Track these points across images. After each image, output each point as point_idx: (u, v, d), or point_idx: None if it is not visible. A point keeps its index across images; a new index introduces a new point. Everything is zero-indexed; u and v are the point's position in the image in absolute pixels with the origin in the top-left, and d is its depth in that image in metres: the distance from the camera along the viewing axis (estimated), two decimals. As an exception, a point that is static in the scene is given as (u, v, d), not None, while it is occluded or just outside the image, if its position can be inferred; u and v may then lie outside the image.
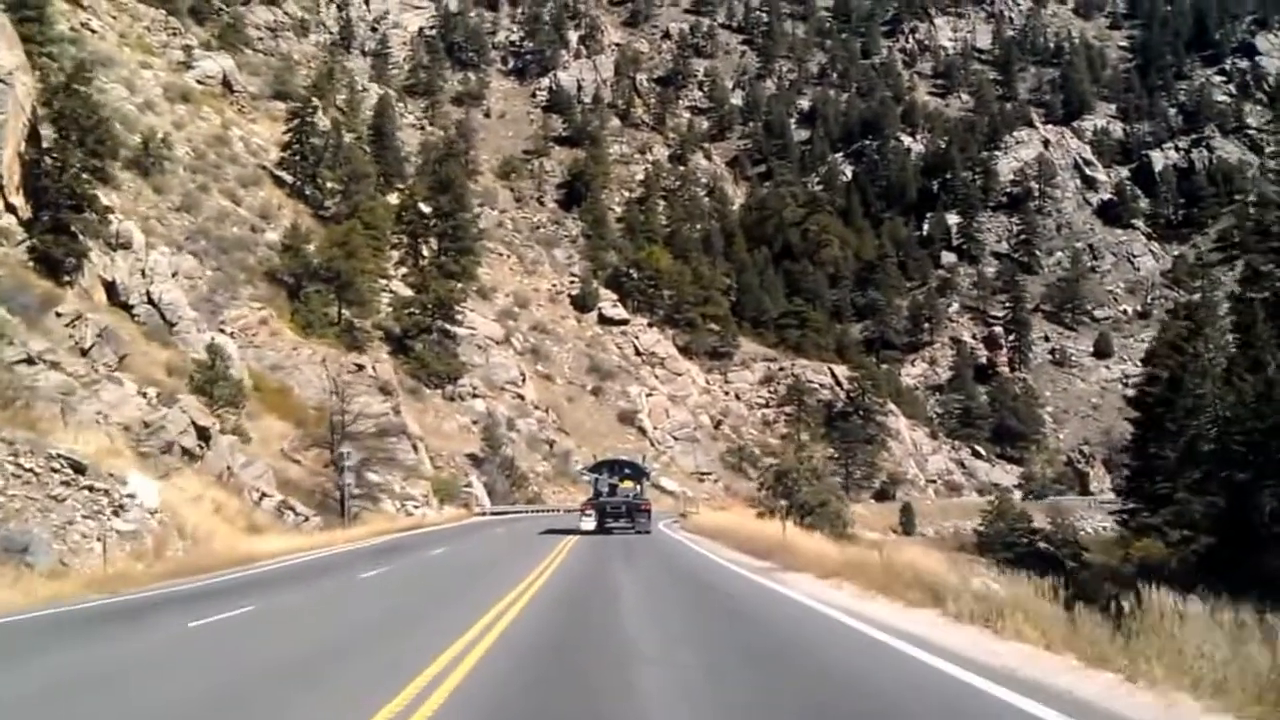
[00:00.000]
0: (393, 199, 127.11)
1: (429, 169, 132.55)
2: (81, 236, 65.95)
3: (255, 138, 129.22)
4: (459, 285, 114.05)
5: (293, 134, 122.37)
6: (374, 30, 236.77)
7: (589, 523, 56.53)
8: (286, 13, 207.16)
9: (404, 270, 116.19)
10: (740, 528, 45.90)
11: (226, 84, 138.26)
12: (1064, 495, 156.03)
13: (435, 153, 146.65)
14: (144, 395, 48.84)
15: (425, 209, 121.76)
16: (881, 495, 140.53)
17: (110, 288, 68.01)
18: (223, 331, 74.34)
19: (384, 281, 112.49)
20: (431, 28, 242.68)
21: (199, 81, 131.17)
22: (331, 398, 60.60)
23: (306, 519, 53.07)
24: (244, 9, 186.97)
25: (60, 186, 64.05)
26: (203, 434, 50.54)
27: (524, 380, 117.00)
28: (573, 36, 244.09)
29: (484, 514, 78.53)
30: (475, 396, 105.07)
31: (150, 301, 68.44)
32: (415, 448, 77.34)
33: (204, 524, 39.56)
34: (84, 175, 65.34)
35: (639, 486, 60.50)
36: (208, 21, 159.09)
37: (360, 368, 79.71)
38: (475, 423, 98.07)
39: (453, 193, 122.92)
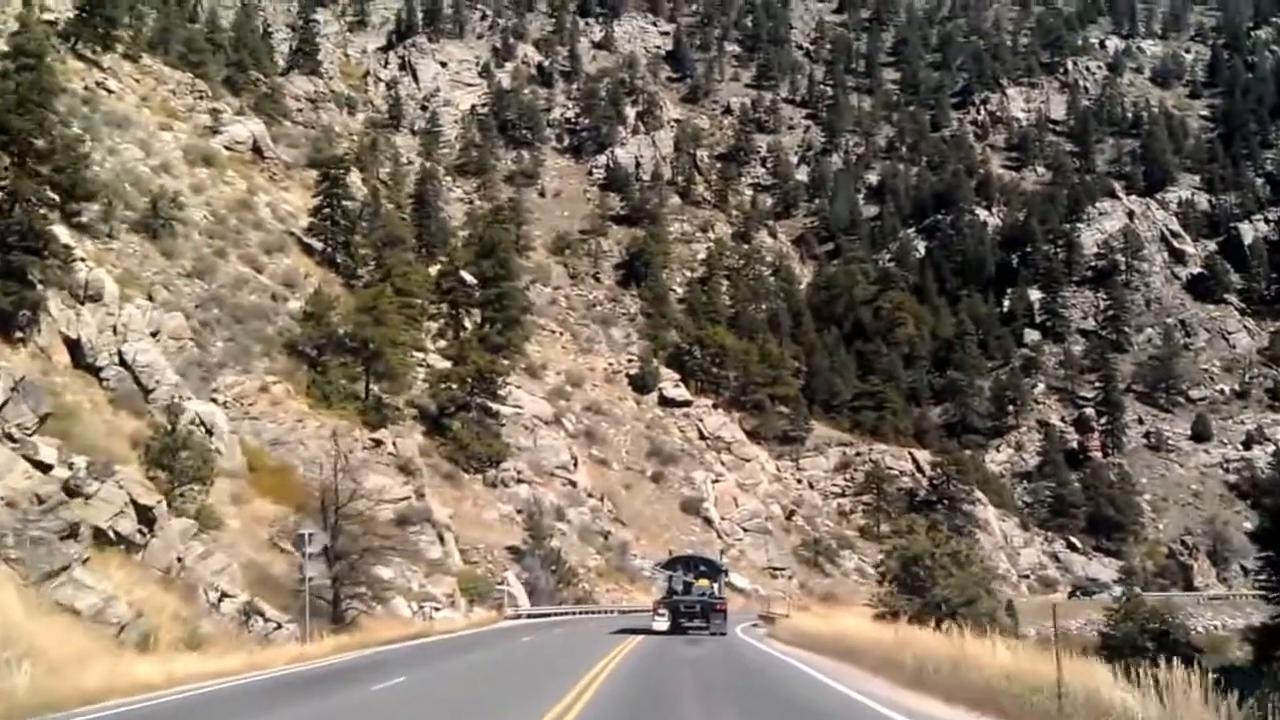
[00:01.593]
0: (433, 271, 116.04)
1: (474, 236, 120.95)
2: (39, 286, 55.10)
3: (285, 204, 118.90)
4: (503, 359, 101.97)
5: (324, 197, 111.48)
6: (424, 109, 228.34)
7: (662, 623, 53.43)
8: (332, 89, 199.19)
9: (443, 343, 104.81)
10: (863, 637, 33.75)
11: (257, 150, 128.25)
12: (1168, 591, 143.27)
13: (481, 219, 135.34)
14: (66, 465, 37.01)
15: (468, 277, 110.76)
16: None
17: (75, 346, 56.86)
18: (214, 400, 62.85)
19: (419, 355, 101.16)
20: (484, 105, 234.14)
21: (227, 147, 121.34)
22: (327, 472, 48.20)
23: (279, 626, 40.84)
24: (283, 79, 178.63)
25: (10, 223, 53.23)
26: (146, 516, 38.76)
27: (576, 465, 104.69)
28: (630, 113, 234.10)
29: (518, 617, 65.56)
30: (520, 482, 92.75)
31: (122, 363, 57.18)
32: (441, 538, 65.36)
33: (72, 644, 27.38)
34: (41, 211, 54.58)
35: (715, 585, 57.22)
36: (244, 91, 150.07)
37: (378, 444, 67.84)
38: (519, 511, 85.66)
39: (497, 257, 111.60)
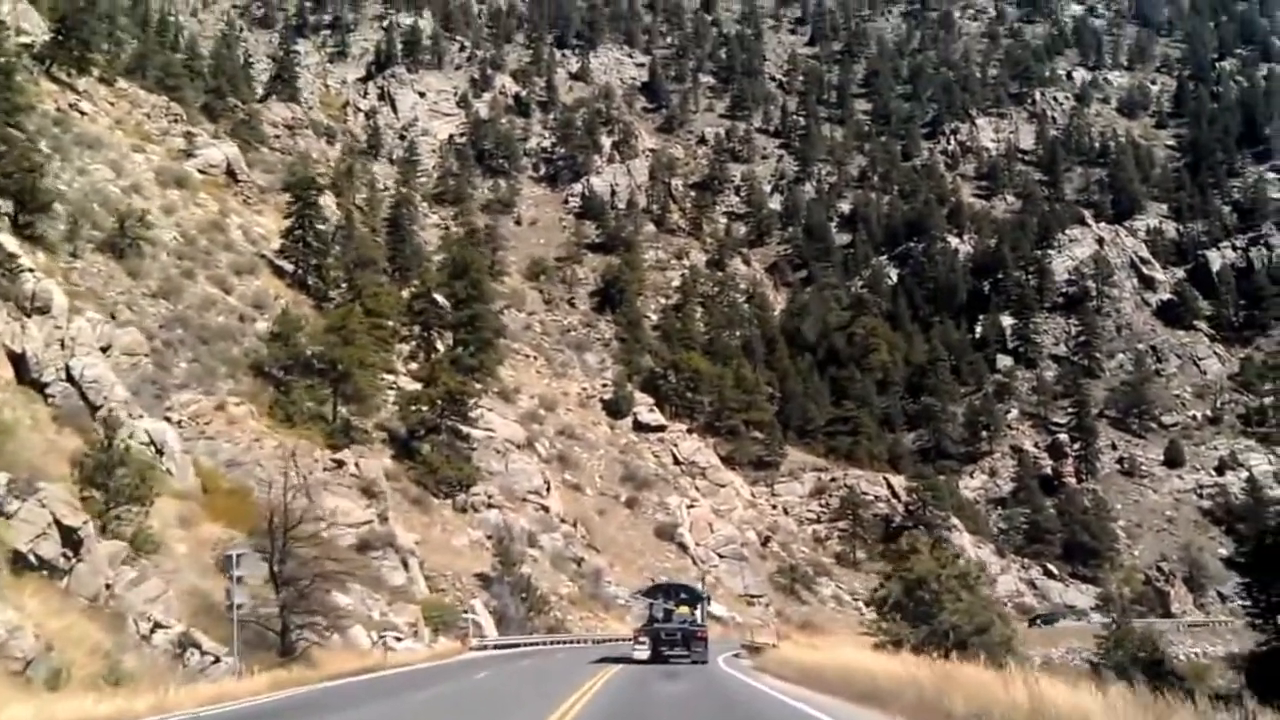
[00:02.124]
0: (406, 294, 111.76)
1: (448, 259, 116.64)
2: (-21, 296, 51.13)
3: (257, 227, 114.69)
4: (474, 381, 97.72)
5: (296, 218, 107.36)
6: (402, 138, 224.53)
7: (643, 651, 51.49)
8: (310, 118, 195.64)
9: (414, 366, 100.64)
10: (884, 673, 27.78)
11: (231, 173, 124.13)
12: (1145, 617, 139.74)
13: (456, 242, 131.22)
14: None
15: (440, 299, 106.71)
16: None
17: (19, 361, 52.72)
18: (167, 419, 58.67)
19: (389, 378, 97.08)
20: (461, 135, 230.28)
21: (200, 170, 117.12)
22: (276, 490, 44.04)
23: (216, 660, 36.62)
24: (260, 106, 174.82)
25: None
26: (71, 539, 34.69)
27: (549, 490, 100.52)
28: (606, 142, 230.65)
29: (484, 648, 60.91)
30: (491, 507, 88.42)
31: (69, 378, 53.03)
32: (405, 564, 61.15)
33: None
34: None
35: (695, 612, 55.45)
36: (221, 118, 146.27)
37: (339, 465, 63.49)
38: (489, 537, 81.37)
39: (470, 278, 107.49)
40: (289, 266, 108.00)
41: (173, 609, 37.86)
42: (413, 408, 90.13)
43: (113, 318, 74.13)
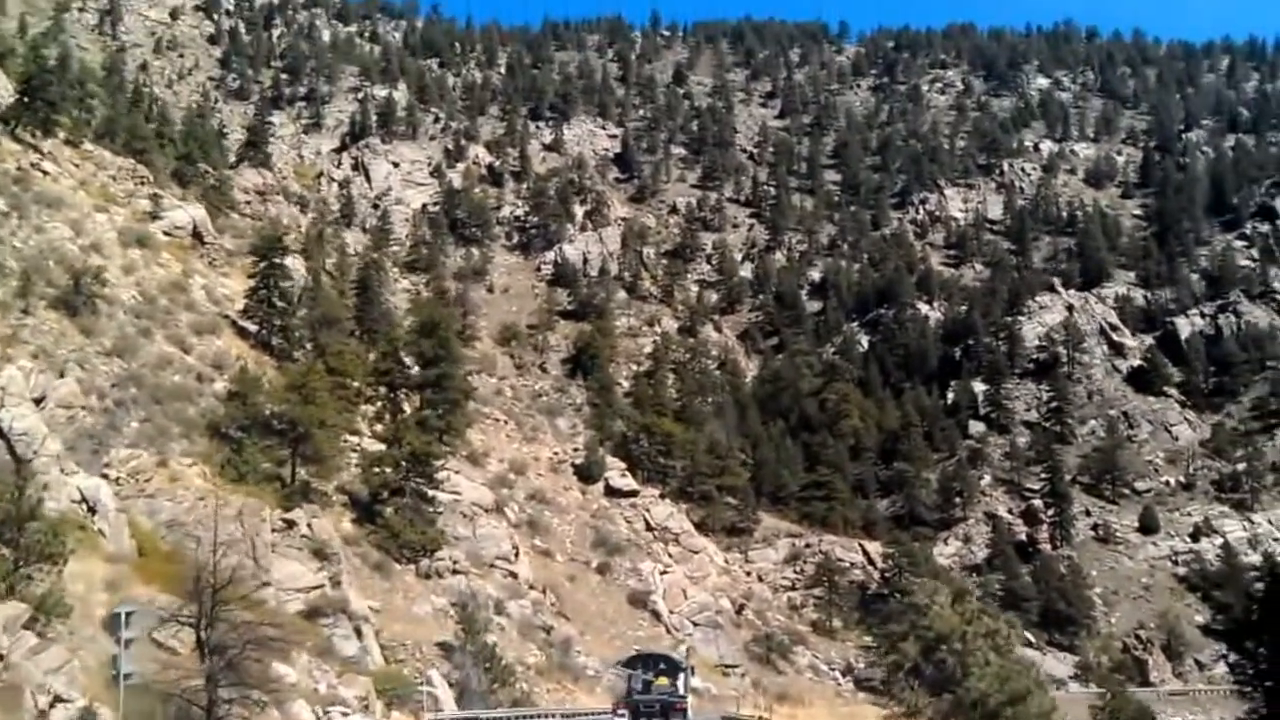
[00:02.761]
0: (373, 357, 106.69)
1: (417, 321, 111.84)
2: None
3: (221, 288, 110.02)
4: (441, 442, 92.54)
5: (261, 278, 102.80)
6: (375, 207, 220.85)
7: None
8: (283, 186, 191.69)
9: (379, 428, 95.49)
10: None
11: (197, 235, 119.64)
12: (1123, 686, 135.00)
13: (426, 303, 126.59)
14: None
15: (407, 360, 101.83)
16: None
17: (-60, 413, 47.82)
18: (104, 475, 53.69)
19: (353, 439, 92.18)
20: (435, 204, 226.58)
21: (166, 233, 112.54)
22: (203, 547, 39.15)
23: (123, 740, 31.66)
24: (231, 173, 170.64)
25: None
26: (-40, 602, 29.86)
27: (517, 555, 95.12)
28: (578, 211, 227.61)
29: (438, 726, 55.65)
30: (456, 573, 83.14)
31: (-4, 430, 48.10)
32: (359, 632, 55.91)
33: None
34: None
35: (674, 683, 55.04)
36: (191, 184, 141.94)
37: (289, 525, 58.26)
38: (454, 604, 76.05)
39: (438, 337, 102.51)
40: (252, 327, 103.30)
41: (77, 681, 32.84)
42: (375, 469, 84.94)
43: (62, 375, 69.47)
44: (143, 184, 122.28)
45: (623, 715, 52.33)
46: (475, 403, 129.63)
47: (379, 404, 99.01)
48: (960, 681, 36.75)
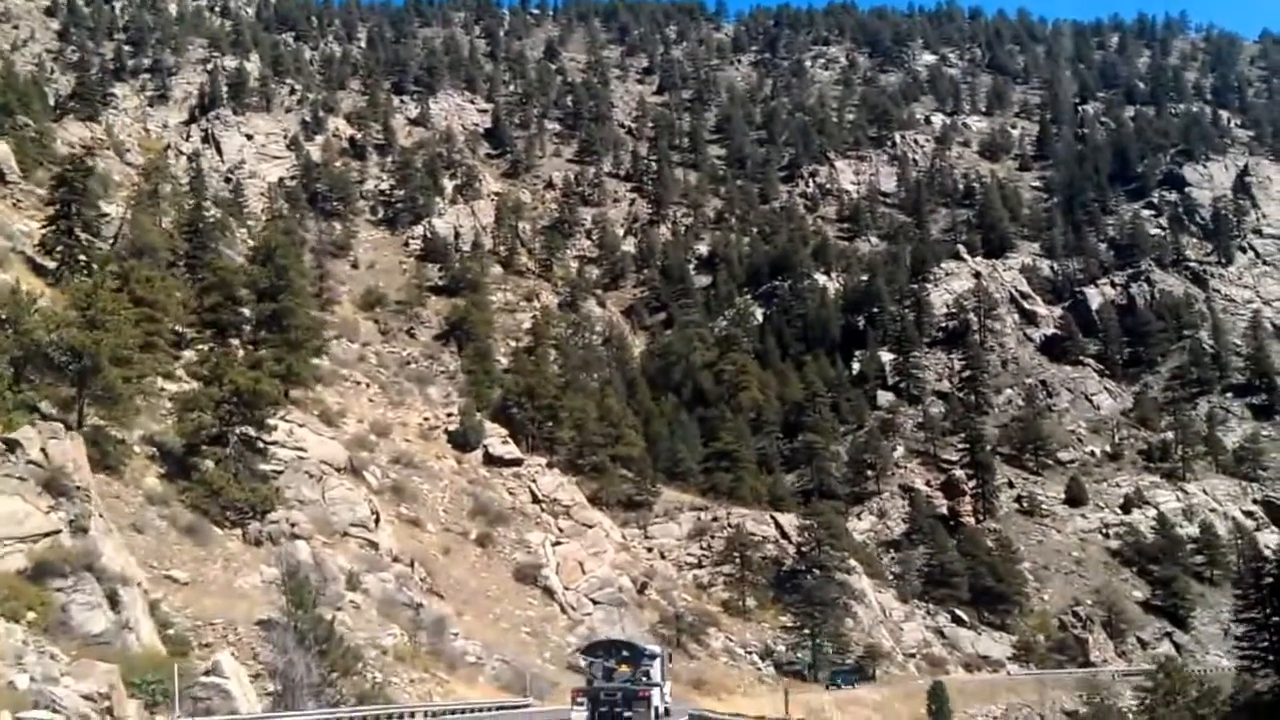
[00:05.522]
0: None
1: (251, 249, 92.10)
2: None
3: (18, 224, 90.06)
4: (277, 383, 72.65)
5: (60, 205, 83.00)
6: (227, 180, 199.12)
7: (581, 713, 47.22)
8: (116, 144, 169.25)
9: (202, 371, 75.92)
10: None
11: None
12: (1064, 667, 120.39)
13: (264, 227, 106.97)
14: None
15: (243, 294, 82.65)
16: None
17: None
18: None
19: (170, 387, 72.61)
20: (292, 178, 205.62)
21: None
22: None
23: None
24: (55, 125, 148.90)
25: None
26: None
27: (378, 523, 76.25)
28: (448, 185, 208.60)
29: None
30: (297, 538, 64.02)
31: None
32: (114, 600, 36.67)
33: None
34: None
35: (637, 671, 49.56)
36: (6, 136, 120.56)
37: (10, 448, 38.79)
38: (288, 572, 56.59)
39: (275, 265, 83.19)
40: (52, 264, 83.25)
41: None
42: (191, 414, 65.51)
43: None
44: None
45: (581, 704, 47.65)
46: (332, 363, 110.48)
47: (205, 348, 79.35)
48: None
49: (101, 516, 41.02)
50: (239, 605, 52.54)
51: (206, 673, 38.18)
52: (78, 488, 39.49)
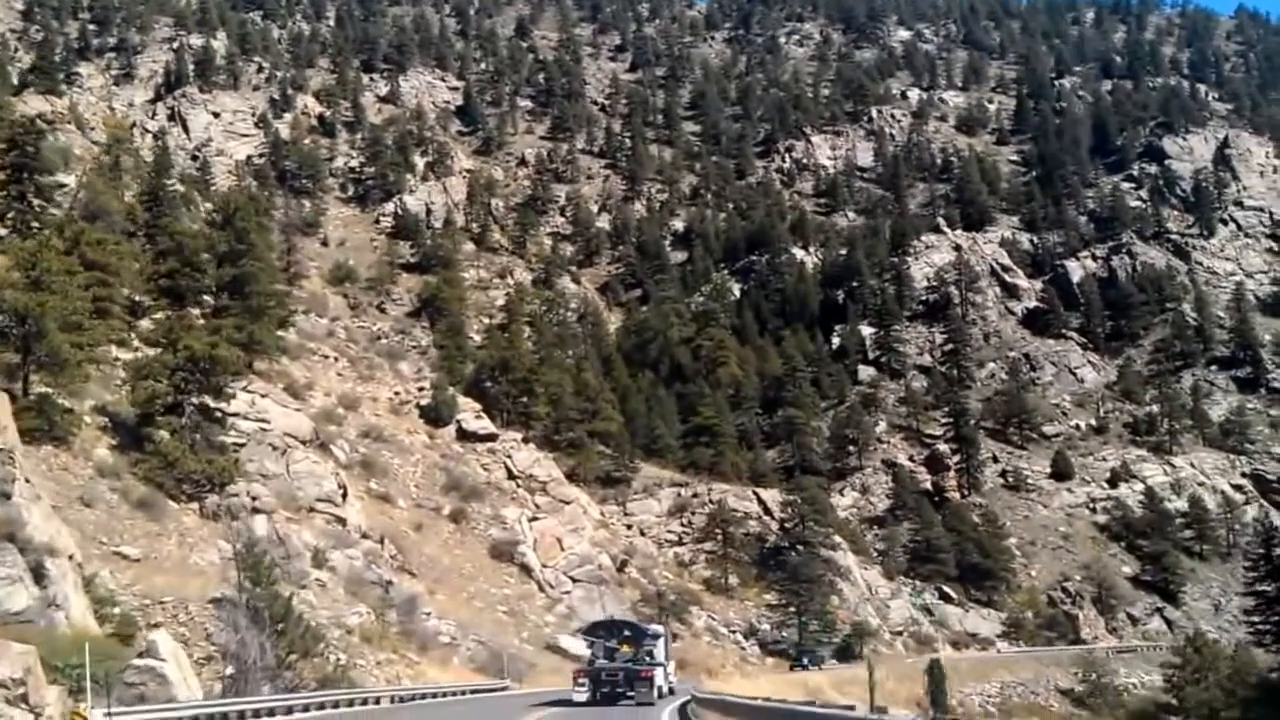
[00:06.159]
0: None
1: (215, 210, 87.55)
2: None
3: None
4: (238, 351, 68.26)
5: (11, 170, 78.41)
6: (194, 158, 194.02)
7: (582, 693, 47.21)
8: (77, 116, 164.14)
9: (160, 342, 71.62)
10: None
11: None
12: (1054, 644, 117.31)
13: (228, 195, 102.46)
14: None
15: (203, 259, 78.32)
16: (844, 653, 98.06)
17: None
18: None
19: (124, 356, 68.37)
20: (260, 155, 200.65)
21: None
22: None
23: None
24: (14, 100, 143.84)
25: None
26: None
27: (345, 498, 72.22)
28: (419, 162, 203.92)
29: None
30: (258, 512, 59.92)
31: None
32: (40, 574, 32.37)
33: None
34: None
35: (639, 650, 49.49)
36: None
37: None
38: (245, 547, 52.29)
39: (235, 229, 78.91)
40: (2, 231, 78.74)
41: None
42: (145, 382, 61.31)
43: None
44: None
45: (583, 684, 47.79)
46: (300, 337, 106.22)
47: (162, 315, 75.10)
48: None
49: (28, 481, 36.77)
50: (193, 583, 48.42)
51: (141, 654, 34.01)
52: (0, 449, 35.26)
